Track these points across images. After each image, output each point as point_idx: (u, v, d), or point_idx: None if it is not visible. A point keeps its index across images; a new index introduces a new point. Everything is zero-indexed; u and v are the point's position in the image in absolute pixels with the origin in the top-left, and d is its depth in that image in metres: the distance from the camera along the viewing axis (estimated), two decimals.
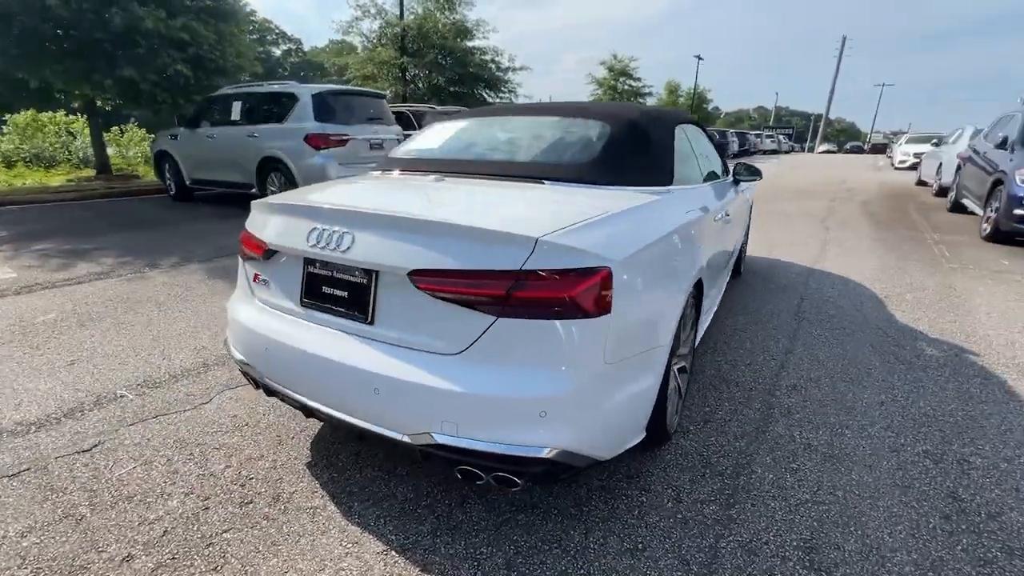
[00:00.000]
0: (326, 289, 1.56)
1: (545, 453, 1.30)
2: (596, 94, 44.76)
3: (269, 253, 1.70)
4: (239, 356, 1.78)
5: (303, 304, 1.63)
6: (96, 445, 2.00)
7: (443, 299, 1.33)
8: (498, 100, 22.73)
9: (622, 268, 1.37)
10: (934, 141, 10.39)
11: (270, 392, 1.72)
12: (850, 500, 1.77)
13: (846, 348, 3.08)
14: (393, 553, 1.51)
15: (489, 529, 1.61)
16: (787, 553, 1.54)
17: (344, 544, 1.54)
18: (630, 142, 2.02)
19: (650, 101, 47.19)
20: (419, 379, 1.34)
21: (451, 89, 20.53)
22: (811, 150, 53.35)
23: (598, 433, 1.42)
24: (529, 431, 1.30)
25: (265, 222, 1.75)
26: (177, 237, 5.88)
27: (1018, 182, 5.86)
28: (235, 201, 8.20)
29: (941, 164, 10.48)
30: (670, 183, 2.07)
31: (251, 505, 1.69)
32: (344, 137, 7.24)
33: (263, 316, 1.73)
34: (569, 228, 1.36)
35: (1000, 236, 6.17)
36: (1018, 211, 5.82)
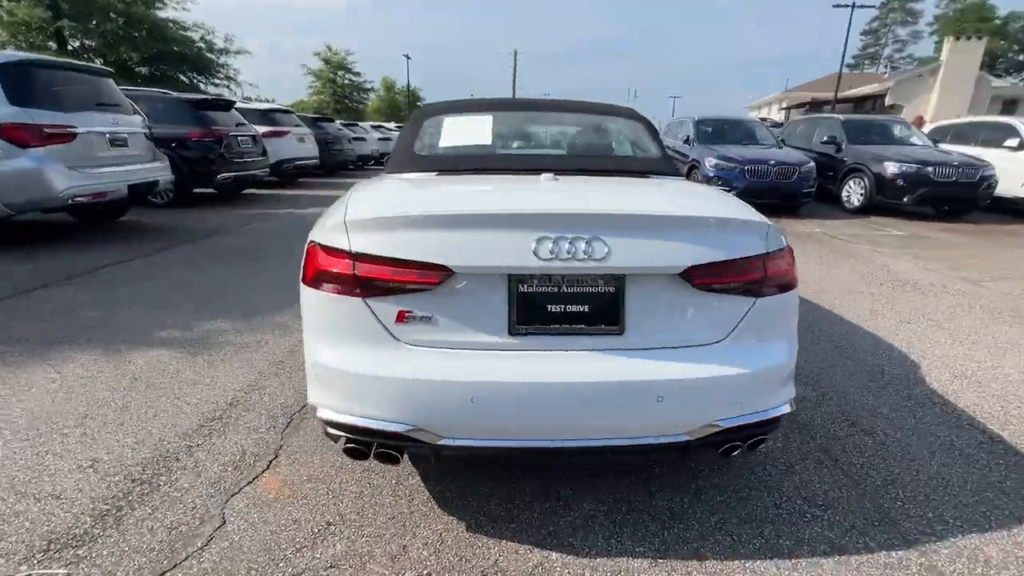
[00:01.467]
0: (552, 307, 1.37)
1: (786, 408, 1.53)
2: (315, 86, 42.21)
3: (444, 279, 1.33)
4: (395, 425, 1.35)
5: (514, 332, 1.38)
6: None
7: (713, 291, 1.39)
8: (213, 87, 19.17)
9: None
10: None
11: (442, 458, 1.40)
12: None
13: None
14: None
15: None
16: None
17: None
18: (660, 138, 2.31)
19: (372, 96, 46.99)
20: (697, 373, 1.36)
21: (145, 70, 16.23)
22: None
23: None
24: (780, 394, 1.50)
25: (417, 241, 1.35)
26: None
27: (708, 166, 8.50)
28: None
29: None
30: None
31: None
32: (69, 130, 5.12)
33: (440, 361, 1.36)
34: (756, 213, 1.59)
35: None
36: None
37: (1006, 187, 8.37)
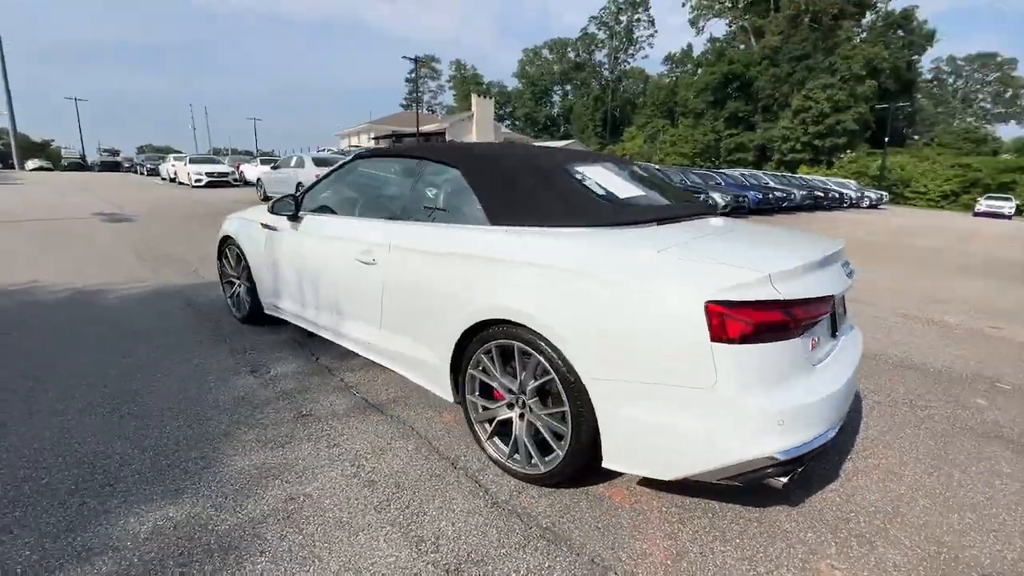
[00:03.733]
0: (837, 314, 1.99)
1: None
2: None
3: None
4: (823, 437, 1.62)
5: (833, 335, 1.93)
6: None
7: None
8: None
9: None
10: (273, 164, 13.68)
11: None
12: None
13: None
14: None
15: None
16: None
17: None
18: None
19: None
20: None
21: None
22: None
23: None
24: None
25: (812, 281, 1.67)
26: None
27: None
28: None
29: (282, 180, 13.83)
30: None
31: None
32: None
33: (829, 372, 1.74)
34: None
35: None
36: None
37: None
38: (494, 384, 2.04)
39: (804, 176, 27.64)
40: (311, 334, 3.45)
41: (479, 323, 1.99)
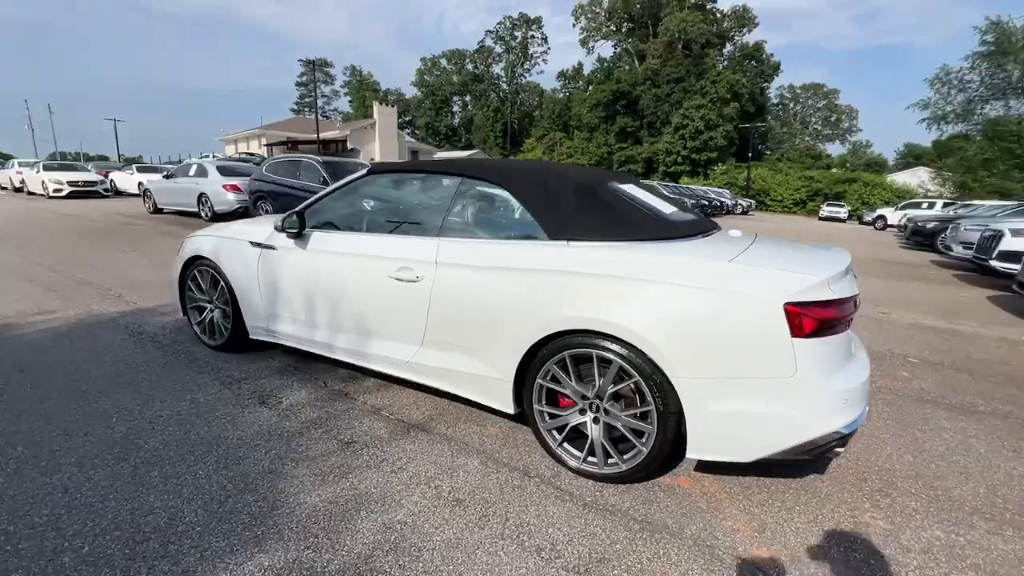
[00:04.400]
0: None
1: None
2: None
3: None
4: (862, 418, 1.90)
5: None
6: None
7: None
8: None
9: None
10: (167, 173, 11.89)
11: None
12: None
13: None
14: None
15: None
16: None
17: None
18: None
19: None
20: None
21: None
22: None
23: None
24: None
25: (844, 283, 1.92)
26: None
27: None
28: None
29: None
30: None
31: None
32: None
33: (857, 360, 2.05)
34: None
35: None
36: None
37: None
38: (566, 391, 2.14)
39: (691, 186, 30.85)
40: (307, 358, 3.25)
41: (550, 334, 2.08)
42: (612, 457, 2.07)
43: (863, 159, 67.22)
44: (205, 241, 3.30)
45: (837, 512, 2.00)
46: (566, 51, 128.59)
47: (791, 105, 75.69)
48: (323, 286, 2.74)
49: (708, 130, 45.33)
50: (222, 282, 3.18)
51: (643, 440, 2.00)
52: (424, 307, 2.39)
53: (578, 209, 2.24)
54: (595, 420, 2.11)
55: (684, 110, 46.04)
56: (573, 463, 2.15)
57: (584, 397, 2.11)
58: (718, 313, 1.83)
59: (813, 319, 1.76)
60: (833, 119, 74.60)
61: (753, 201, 33.86)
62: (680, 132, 46.26)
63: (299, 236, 2.83)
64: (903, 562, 1.75)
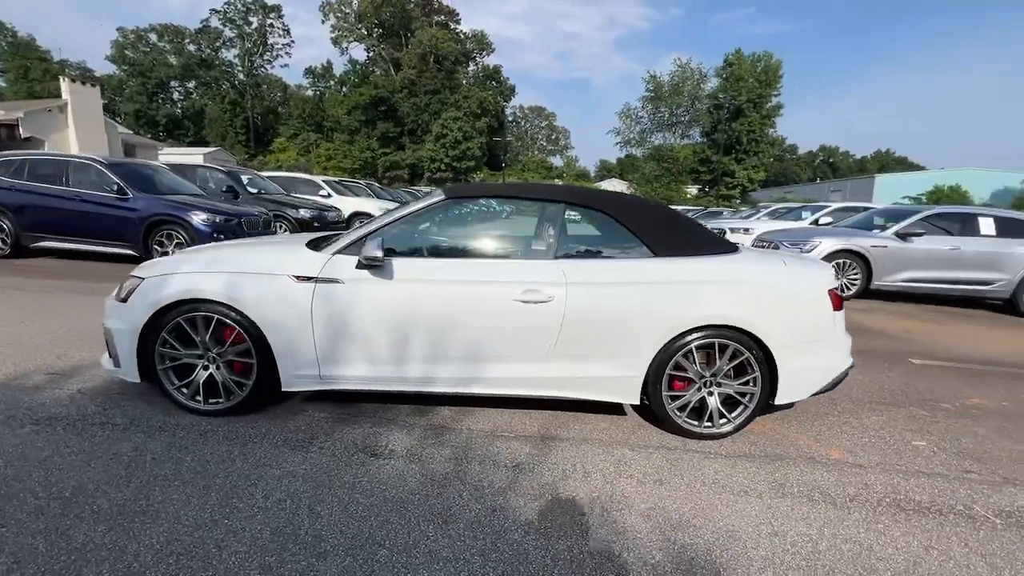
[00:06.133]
0: None
1: None
2: None
3: None
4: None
5: None
6: None
7: None
8: None
9: None
10: None
11: None
12: None
13: None
14: None
15: None
16: None
17: None
18: None
19: None
20: None
21: None
22: None
23: None
24: None
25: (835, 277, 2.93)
26: None
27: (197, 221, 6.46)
28: None
29: None
30: None
31: None
32: None
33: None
34: None
35: None
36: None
37: None
38: (689, 375, 2.69)
39: None
40: (342, 400, 2.92)
41: (680, 333, 2.61)
42: (724, 418, 2.74)
43: (575, 171, 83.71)
44: (207, 280, 2.56)
45: (900, 426, 3.13)
46: (307, 45, 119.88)
47: (522, 123, 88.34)
48: (422, 317, 2.58)
49: (466, 140, 49.35)
50: (239, 330, 2.56)
51: (748, 400, 2.73)
52: (556, 324, 2.59)
53: (669, 231, 2.82)
54: (709, 393, 2.74)
55: (443, 120, 49.00)
56: (696, 430, 2.73)
57: (701, 376, 2.71)
58: (791, 301, 2.70)
59: (839, 298, 2.79)
60: (553, 137, 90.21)
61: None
62: (441, 141, 49.07)
63: (377, 267, 2.57)
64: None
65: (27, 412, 2.61)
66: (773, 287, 2.70)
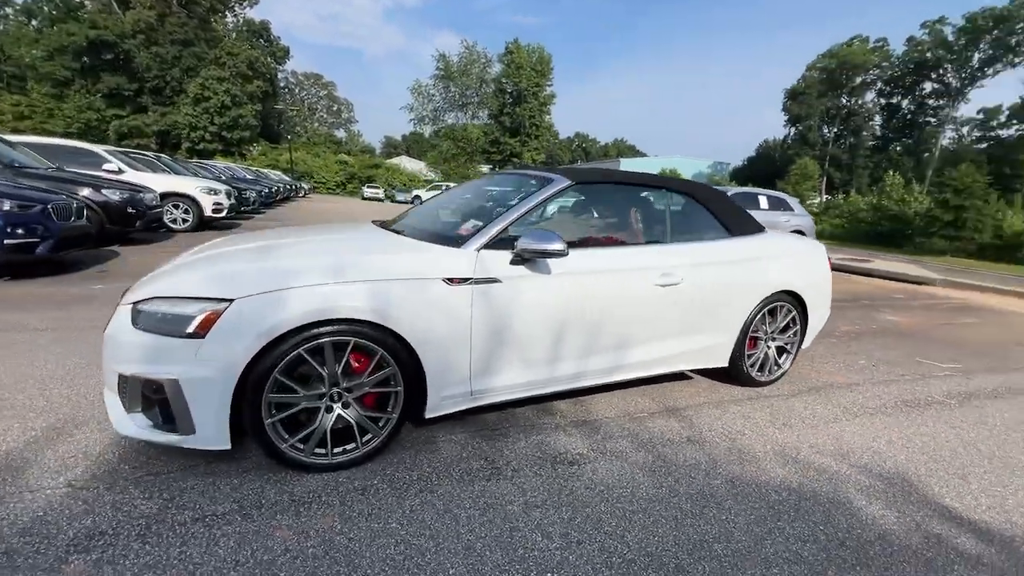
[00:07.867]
0: None
1: None
2: None
3: None
4: None
5: None
6: None
7: None
8: None
9: None
10: None
11: None
12: None
13: None
14: None
15: None
16: None
17: None
18: None
19: None
20: None
21: None
22: None
23: None
24: None
25: None
26: None
27: None
28: None
29: None
30: None
31: None
32: None
33: None
34: None
35: None
36: None
37: None
38: (759, 335, 3.19)
39: (234, 166, 27.86)
40: (453, 421, 2.61)
41: (763, 299, 3.08)
42: (777, 366, 3.34)
43: (358, 146, 79.38)
44: (342, 292, 1.89)
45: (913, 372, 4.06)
46: None
47: (297, 91, 79.21)
48: (581, 310, 2.43)
49: (236, 107, 41.99)
50: (381, 352, 2.00)
51: (791, 347, 3.38)
52: (685, 304, 2.76)
53: (735, 214, 3.23)
54: (767, 345, 3.29)
55: (203, 80, 40.56)
56: (762, 379, 3.27)
57: (767, 334, 3.24)
58: (814, 267, 3.45)
59: (832, 264, 3.66)
60: (335, 108, 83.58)
61: (310, 185, 34.74)
62: (203, 105, 40.67)
63: (536, 260, 2.31)
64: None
65: (74, 539, 1.57)
66: (805, 257, 3.39)
